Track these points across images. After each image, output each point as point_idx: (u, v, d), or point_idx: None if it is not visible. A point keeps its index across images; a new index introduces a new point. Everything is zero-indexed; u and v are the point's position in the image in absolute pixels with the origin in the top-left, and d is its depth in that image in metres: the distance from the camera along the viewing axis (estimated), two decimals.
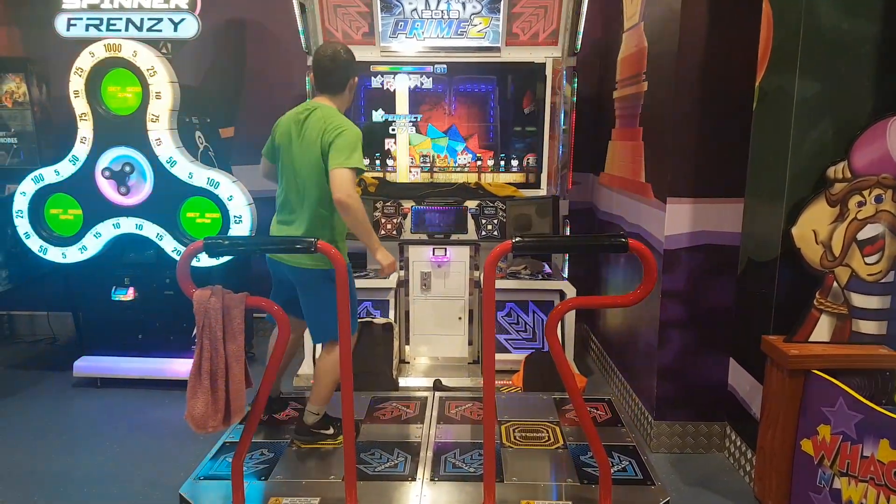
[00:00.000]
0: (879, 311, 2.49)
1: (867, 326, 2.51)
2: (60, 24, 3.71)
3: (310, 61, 3.95)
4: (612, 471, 2.35)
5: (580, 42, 3.93)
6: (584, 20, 3.83)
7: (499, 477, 2.49)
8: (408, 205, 4.00)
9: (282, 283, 2.80)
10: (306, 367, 3.83)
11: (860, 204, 2.45)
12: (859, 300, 2.50)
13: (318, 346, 3.80)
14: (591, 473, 2.53)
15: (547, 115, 4.05)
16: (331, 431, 2.80)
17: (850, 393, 2.34)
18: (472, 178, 4.16)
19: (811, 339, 2.54)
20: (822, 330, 2.53)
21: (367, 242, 2.66)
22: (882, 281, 2.47)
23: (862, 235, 2.46)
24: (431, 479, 2.52)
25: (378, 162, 4.19)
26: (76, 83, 3.61)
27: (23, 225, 3.78)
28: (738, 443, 2.95)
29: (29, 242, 3.80)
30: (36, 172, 3.75)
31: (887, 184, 2.41)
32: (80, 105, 3.63)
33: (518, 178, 4.17)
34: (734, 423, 3.02)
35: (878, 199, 2.43)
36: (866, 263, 2.48)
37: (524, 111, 4.11)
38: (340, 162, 2.52)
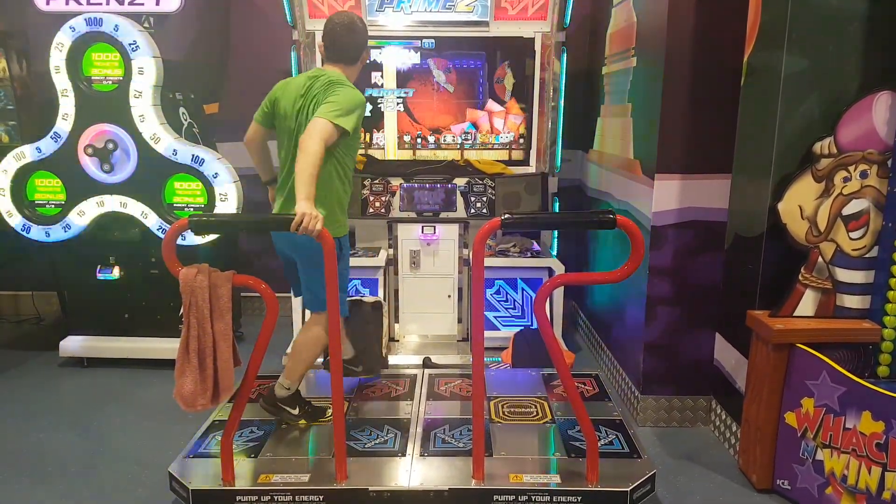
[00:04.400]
0: (863, 286, 2.52)
1: (851, 301, 2.54)
2: None
3: (295, 35, 3.91)
4: (599, 444, 2.39)
5: (569, 17, 3.89)
6: None
7: (488, 452, 2.51)
8: (396, 182, 3.97)
9: (286, 258, 2.77)
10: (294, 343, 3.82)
11: (846, 179, 2.46)
12: (844, 275, 2.52)
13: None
14: (578, 447, 2.56)
15: (536, 91, 4.02)
16: (296, 412, 2.77)
17: (833, 366, 2.37)
18: (464, 154, 4.12)
19: (796, 314, 2.56)
20: (807, 304, 2.56)
21: (298, 194, 2.30)
22: (866, 256, 2.50)
23: (847, 211, 2.48)
24: (421, 455, 2.54)
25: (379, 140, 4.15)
26: (57, 58, 3.53)
27: (5, 203, 3.72)
28: (724, 416, 3.00)
29: (11, 221, 3.74)
30: (17, 150, 3.68)
31: (872, 159, 2.43)
32: (62, 81, 3.56)
33: (507, 155, 4.15)
34: (719, 397, 3.06)
35: (864, 175, 2.45)
36: (851, 238, 2.50)
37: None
38: (323, 113, 2.39)
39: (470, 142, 4.12)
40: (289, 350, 3.79)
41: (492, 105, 4.09)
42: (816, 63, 2.42)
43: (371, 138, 4.12)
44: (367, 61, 3.89)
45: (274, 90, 2.69)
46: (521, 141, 4.11)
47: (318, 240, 2.24)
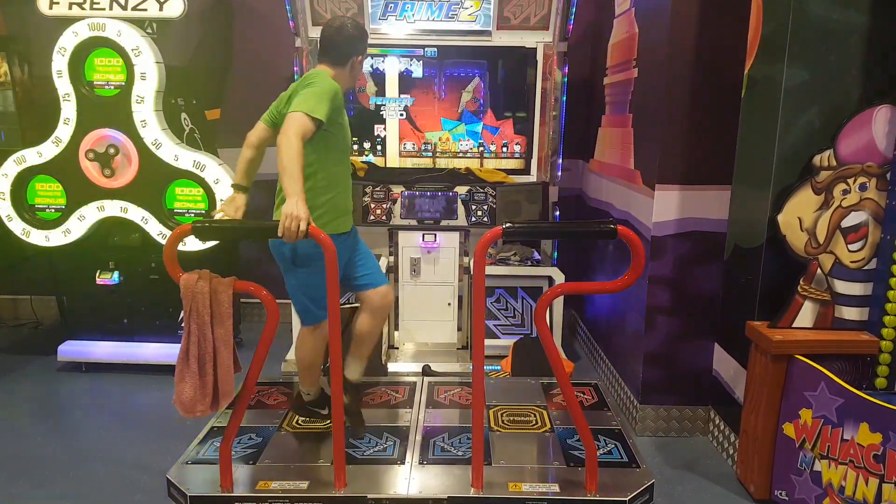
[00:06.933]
0: (862, 298, 2.53)
1: (849, 313, 2.55)
2: (42, 1, 3.63)
3: (298, 42, 3.93)
4: (598, 454, 2.38)
5: (571, 27, 3.91)
6: (575, 5, 3.82)
7: (487, 460, 2.51)
8: (398, 190, 3.98)
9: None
10: (294, 353, 3.82)
11: (845, 192, 2.48)
12: (842, 287, 2.54)
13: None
14: (577, 456, 2.55)
15: (537, 100, 4.03)
16: (326, 412, 2.81)
17: (831, 378, 2.38)
18: (470, 163, 4.13)
19: (795, 325, 2.57)
20: (806, 316, 2.57)
21: (284, 186, 2.24)
22: (864, 268, 2.51)
23: (846, 223, 2.50)
24: (420, 463, 2.53)
25: (377, 148, 4.16)
26: (59, 63, 3.55)
27: (5, 207, 3.73)
28: (722, 426, 3.00)
29: (11, 225, 3.74)
30: (18, 154, 3.69)
31: (872, 172, 2.44)
32: (64, 85, 3.57)
33: (508, 164, 4.16)
34: (718, 408, 3.07)
35: (863, 188, 2.46)
36: (850, 251, 2.51)
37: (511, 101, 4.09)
38: (297, 106, 2.30)
39: (472, 152, 4.14)
40: (287, 357, 3.81)
41: (492, 115, 4.11)
42: (817, 76, 2.44)
43: (374, 146, 4.14)
44: (366, 70, 3.97)
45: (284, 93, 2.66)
46: (494, 149, 4.13)
47: (302, 237, 2.15)
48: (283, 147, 2.25)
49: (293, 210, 2.14)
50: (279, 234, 2.16)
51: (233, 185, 2.79)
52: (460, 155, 4.15)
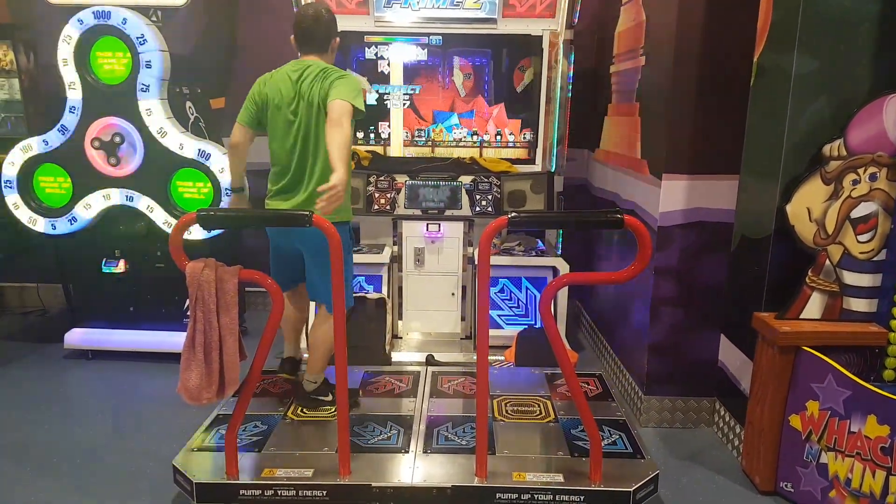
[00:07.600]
0: (870, 289, 2.51)
1: (858, 304, 2.53)
2: None
3: None
4: (602, 444, 2.39)
5: (578, 14, 3.88)
6: None
7: (491, 450, 2.51)
8: (402, 179, 3.97)
9: (288, 254, 2.82)
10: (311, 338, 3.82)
11: (854, 182, 2.45)
12: (851, 278, 2.51)
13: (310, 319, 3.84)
14: (581, 447, 2.56)
15: (543, 89, 4.00)
16: (330, 398, 2.85)
17: (839, 369, 2.36)
18: (469, 153, 4.11)
19: (802, 317, 2.55)
20: (814, 307, 2.55)
21: (335, 165, 2.36)
22: (874, 259, 2.49)
23: (855, 213, 2.47)
24: (424, 452, 2.54)
25: (373, 137, 4.15)
26: (64, 51, 3.54)
27: (11, 195, 3.73)
28: (727, 418, 2.99)
29: (18, 213, 3.75)
30: (24, 142, 3.69)
31: (882, 162, 2.41)
32: (69, 74, 3.57)
33: (513, 153, 4.14)
34: (723, 399, 3.06)
35: (873, 178, 2.43)
36: (859, 241, 2.49)
37: (516, 90, 4.06)
38: (343, 96, 2.50)
39: (475, 140, 4.12)
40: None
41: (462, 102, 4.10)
42: (827, 64, 2.40)
43: (377, 134, 4.13)
44: (358, 59, 3.98)
45: (258, 88, 2.76)
46: (499, 138, 4.11)
47: (325, 213, 2.29)
48: (344, 136, 2.42)
49: (343, 184, 2.31)
50: (321, 205, 2.28)
51: (234, 190, 2.98)
52: (454, 144, 4.12)
